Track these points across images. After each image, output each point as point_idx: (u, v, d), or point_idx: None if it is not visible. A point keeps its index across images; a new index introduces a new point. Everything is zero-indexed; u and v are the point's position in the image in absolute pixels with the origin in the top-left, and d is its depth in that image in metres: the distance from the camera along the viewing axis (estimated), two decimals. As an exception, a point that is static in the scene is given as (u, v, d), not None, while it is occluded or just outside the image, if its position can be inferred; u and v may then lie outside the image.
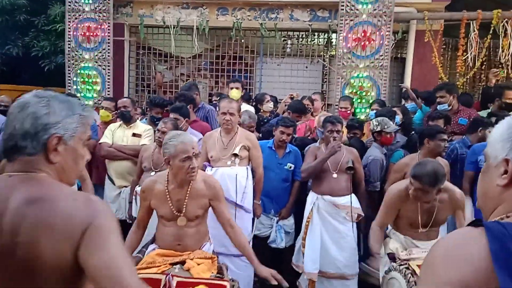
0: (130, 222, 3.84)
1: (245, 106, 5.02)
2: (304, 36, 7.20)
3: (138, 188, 3.77)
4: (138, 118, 4.78)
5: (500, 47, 6.06)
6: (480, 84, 7.00)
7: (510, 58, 6.13)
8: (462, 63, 6.27)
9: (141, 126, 4.48)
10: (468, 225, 0.99)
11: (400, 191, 2.87)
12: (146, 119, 5.10)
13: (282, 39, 7.23)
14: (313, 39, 7.25)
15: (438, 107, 4.53)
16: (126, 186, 4.25)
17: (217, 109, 3.94)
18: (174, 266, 2.53)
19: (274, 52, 7.11)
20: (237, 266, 3.65)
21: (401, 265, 2.67)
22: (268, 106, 5.32)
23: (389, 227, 3.09)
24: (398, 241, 2.93)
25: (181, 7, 6.85)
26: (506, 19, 5.91)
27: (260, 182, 3.79)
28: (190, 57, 7.30)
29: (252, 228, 3.82)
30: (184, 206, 2.64)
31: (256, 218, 3.86)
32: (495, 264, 0.87)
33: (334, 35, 6.81)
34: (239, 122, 3.95)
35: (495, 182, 1.03)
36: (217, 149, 3.69)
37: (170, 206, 2.65)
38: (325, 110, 5.70)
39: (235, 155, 3.61)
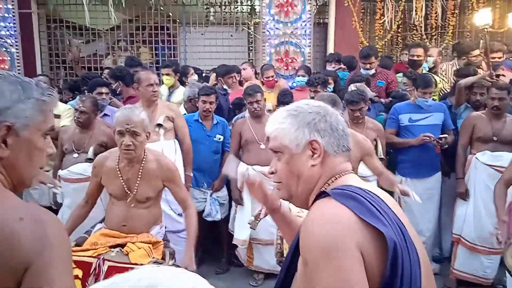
0: (56, 208, 3.61)
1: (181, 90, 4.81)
2: (227, 3, 7.03)
3: (60, 172, 3.55)
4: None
5: (414, 10, 6.35)
6: (397, 46, 7.33)
7: (423, 21, 6.47)
8: (380, 26, 6.51)
9: (60, 106, 4.18)
10: (315, 200, 1.12)
11: None
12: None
13: (205, 7, 7.01)
14: (236, 6, 7.11)
15: (365, 72, 4.65)
16: (47, 171, 3.98)
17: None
18: (112, 250, 2.40)
19: (198, 21, 6.89)
20: (174, 242, 3.60)
21: None
22: (193, 79, 5.18)
23: None
24: None
25: (93, -26, 6.35)
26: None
27: (189, 153, 3.71)
28: (107, 30, 6.85)
29: None
30: (136, 186, 2.51)
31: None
32: (363, 216, 0.99)
33: (257, 2, 6.72)
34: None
35: (308, 164, 1.15)
36: None
37: (122, 183, 2.52)
38: (256, 79, 5.65)
39: (159, 125, 3.50)
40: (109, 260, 2.31)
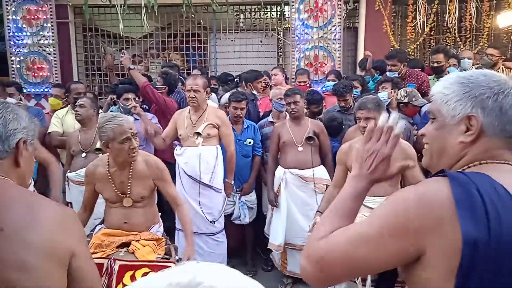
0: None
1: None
2: (256, 9, 7.09)
3: (69, 174, 3.70)
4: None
5: (447, 12, 6.21)
6: (430, 49, 7.17)
7: (456, 23, 6.32)
8: (412, 29, 6.40)
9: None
10: (433, 175, 1.04)
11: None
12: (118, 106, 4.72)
13: (235, 13, 7.09)
14: (266, 12, 7.16)
15: (388, 74, 4.60)
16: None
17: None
18: (120, 250, 2.50)
19: (228, 28, 6.97)
20: (209, 245, 3.66)
21: None
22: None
23: None
24: None
25: (127, -16, 6.53)
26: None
27: (231, 161, 3.75)
28: (140, 37, 7.04)
29: (222, 207, 3.79)
30: (129, 187, 2.61)
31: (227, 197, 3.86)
32: (457, 206, 0.90)
33: (286, 8, 6.75)
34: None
35: (457, 139, 1.05)
36: (185, 127, 3.65)
37: (114, 188, 2.61)
38: (286, 84, 5.66)
39: (198, 133, 3.56)
40: (119, 260, 2.38)
